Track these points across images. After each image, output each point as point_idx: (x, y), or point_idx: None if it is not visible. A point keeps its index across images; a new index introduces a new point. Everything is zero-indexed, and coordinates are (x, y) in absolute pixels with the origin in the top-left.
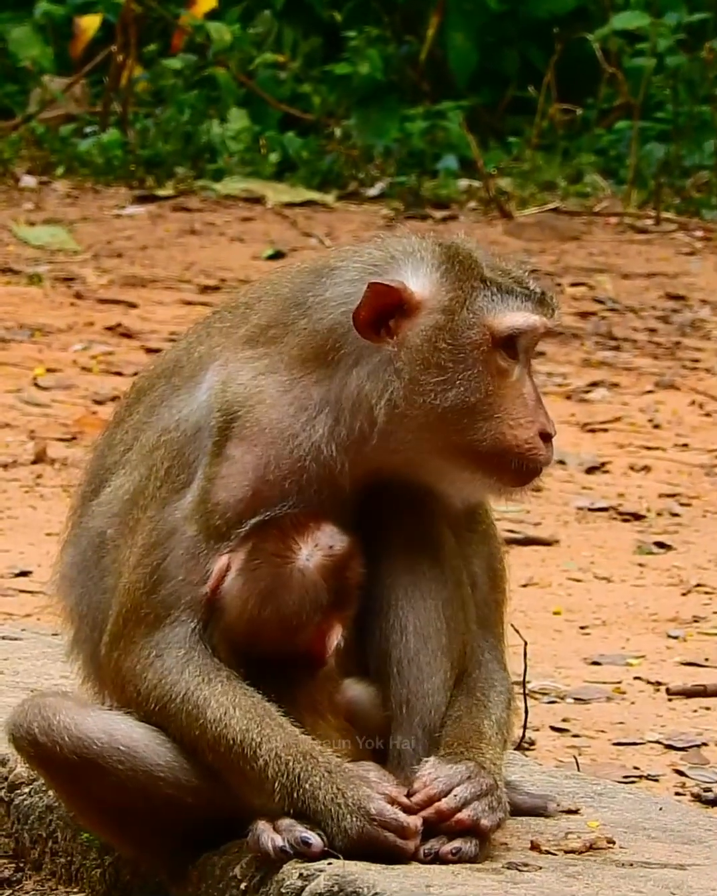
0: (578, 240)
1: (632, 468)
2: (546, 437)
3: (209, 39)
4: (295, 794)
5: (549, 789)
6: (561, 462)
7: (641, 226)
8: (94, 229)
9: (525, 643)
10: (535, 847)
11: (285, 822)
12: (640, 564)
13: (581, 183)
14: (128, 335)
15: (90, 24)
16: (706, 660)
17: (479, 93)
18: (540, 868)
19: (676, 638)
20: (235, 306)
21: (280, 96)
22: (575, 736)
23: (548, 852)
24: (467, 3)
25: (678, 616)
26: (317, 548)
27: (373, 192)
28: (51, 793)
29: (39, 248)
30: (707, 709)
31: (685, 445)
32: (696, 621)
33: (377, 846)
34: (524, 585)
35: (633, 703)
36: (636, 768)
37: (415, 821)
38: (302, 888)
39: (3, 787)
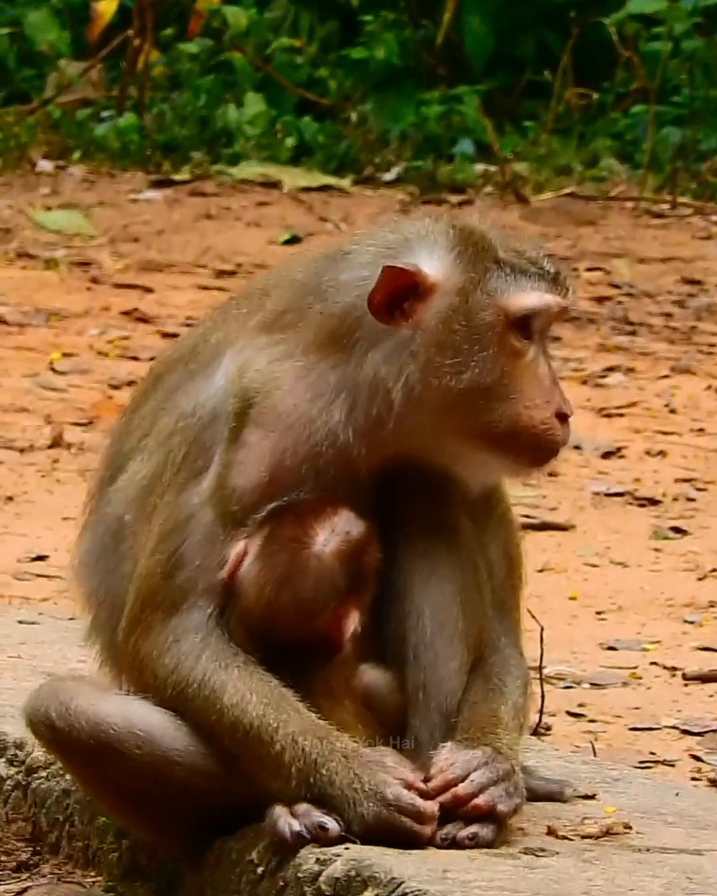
0: (594, 224)
1: (648, 453)
2: (563, 417)
3: (226, 24)
4: (312, 779)
5: (565, 774)
6: (577, 447)
7: (657, 210)
8: (111, 214)
9: (542, 628)
10: (551, 832)
11: (302, 807)
12: (656, 549)
13: (597, 167)
14: (144, 320)
15: (107, 8)
16: None
17: (495, 77)
18: (557, 853)
19: (692, 623)
20: (251, 293)
21: (296, 81)
22: (591, 721)
23: (564, 837)
24: None
25: (694, 601)
26: (334, 533)
27: (389, 176)
28: (68, 777)
29: (56, 232)
30: None
31: (702, 430)
32: (712, 606)
33: (394, 831)
34: (540, 570)
35: (649, 688)
36: (652, 753)
37: (432, 806)
38: (319, 873)
39: (21, 771)
